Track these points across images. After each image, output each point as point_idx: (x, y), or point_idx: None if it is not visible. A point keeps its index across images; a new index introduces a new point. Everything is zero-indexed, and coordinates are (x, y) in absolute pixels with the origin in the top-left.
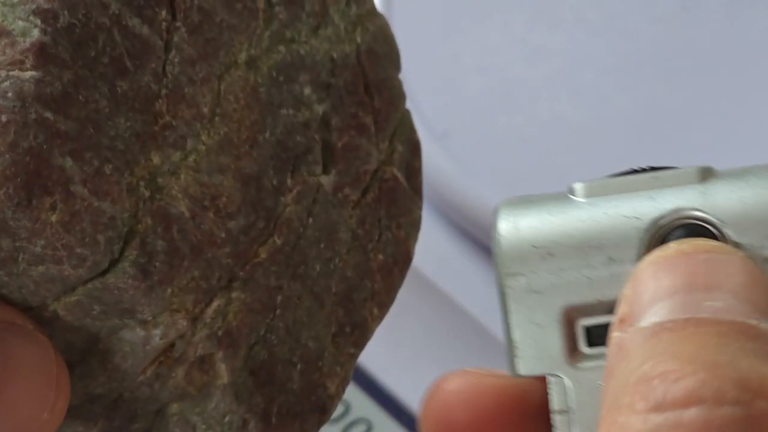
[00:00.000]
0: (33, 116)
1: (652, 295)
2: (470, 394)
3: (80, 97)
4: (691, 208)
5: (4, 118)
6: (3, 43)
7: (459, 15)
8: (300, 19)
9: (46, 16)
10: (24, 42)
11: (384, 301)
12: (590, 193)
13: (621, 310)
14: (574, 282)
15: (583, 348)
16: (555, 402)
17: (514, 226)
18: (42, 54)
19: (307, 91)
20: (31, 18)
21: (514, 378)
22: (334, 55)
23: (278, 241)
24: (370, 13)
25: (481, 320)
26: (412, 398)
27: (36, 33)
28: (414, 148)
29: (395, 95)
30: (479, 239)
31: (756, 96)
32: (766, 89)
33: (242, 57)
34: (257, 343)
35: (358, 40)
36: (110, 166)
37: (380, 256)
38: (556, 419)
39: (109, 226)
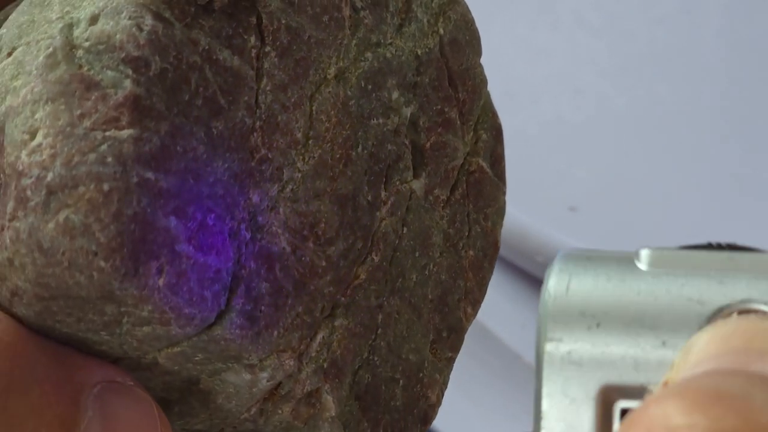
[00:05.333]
0: (135, 179)
1: (701, 356)
2: None
3: (178, 148)
4: (763, 301)
5: (106, 187)
6: (93, 96)
7: None
8: (385, 20)
9: (137, 64)
10: (116, 95)
11: (476, 297)
12: (656, 264)
13: (666, 375)
14: (619, 361)
15: None
16: None
17: (565, 287)
18: (137, 108)
19: (395, 95)
20: (121, 67)
21: None
22: (419, 52)
23: (376, 259)
24: (452, 1)
25: (480, 319)
26: None
27: (128, 84)
28: (497, 133)
29: (478, 83)
30: None
31: (756, 97)
32: (766, 90)
33: (331, 71)
34: (361, 367)
35: (441, 31)
36: (212, 216)
37: (471, 252)
38: None
39: (215, 279)
